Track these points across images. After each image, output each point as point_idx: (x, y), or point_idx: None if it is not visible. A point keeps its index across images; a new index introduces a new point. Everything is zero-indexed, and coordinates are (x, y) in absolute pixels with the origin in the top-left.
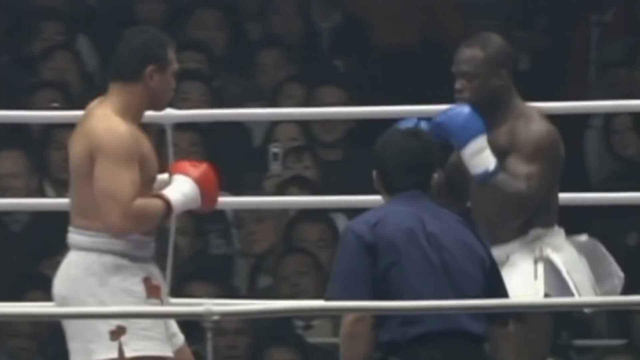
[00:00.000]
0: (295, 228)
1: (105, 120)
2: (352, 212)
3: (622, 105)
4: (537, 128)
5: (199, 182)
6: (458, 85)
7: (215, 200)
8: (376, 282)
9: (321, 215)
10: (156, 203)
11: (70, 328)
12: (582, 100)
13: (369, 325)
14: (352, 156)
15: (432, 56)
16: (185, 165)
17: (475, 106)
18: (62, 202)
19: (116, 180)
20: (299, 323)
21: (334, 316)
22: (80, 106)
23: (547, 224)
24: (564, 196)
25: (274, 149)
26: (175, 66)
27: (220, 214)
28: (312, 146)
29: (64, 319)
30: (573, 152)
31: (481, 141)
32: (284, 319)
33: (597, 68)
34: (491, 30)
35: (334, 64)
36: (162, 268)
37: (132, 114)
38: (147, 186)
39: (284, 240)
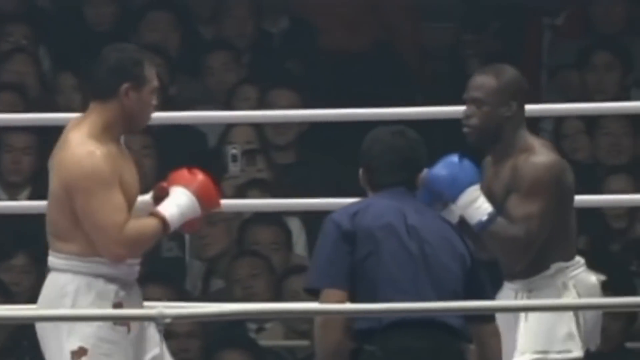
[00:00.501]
0: (248, 231)
1: (79, 147)
2: (306, 214)
3: (573, 109)
4: (539, 161)
5: (195, 188)
6: (467, 111)
7: (217, 201)
8: (354, 270)
9: (274, 217)
10: (150, 223)
11: (42, 342)
12: (534, 103)
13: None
14: (305, 159)
15: (384, 59)
16: (180, 174)
17: (481, 134)
18: (14, 205)
19: (102, 209)
20: (251, 326)
21: (286, 319)
22: (37, 109)
23: (568, 257)
24: None
25: (233, 150)
26: (154, 84)
27: None
28: (265, 149)
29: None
30: None
31: (473, 192)
32: (236, 322)
33: (548, 71)
34: (443, 33)
35: (286, 67)
36: None
37: (110, 133)
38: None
39: (237, 243)
